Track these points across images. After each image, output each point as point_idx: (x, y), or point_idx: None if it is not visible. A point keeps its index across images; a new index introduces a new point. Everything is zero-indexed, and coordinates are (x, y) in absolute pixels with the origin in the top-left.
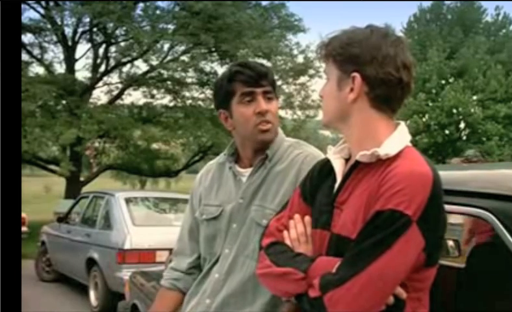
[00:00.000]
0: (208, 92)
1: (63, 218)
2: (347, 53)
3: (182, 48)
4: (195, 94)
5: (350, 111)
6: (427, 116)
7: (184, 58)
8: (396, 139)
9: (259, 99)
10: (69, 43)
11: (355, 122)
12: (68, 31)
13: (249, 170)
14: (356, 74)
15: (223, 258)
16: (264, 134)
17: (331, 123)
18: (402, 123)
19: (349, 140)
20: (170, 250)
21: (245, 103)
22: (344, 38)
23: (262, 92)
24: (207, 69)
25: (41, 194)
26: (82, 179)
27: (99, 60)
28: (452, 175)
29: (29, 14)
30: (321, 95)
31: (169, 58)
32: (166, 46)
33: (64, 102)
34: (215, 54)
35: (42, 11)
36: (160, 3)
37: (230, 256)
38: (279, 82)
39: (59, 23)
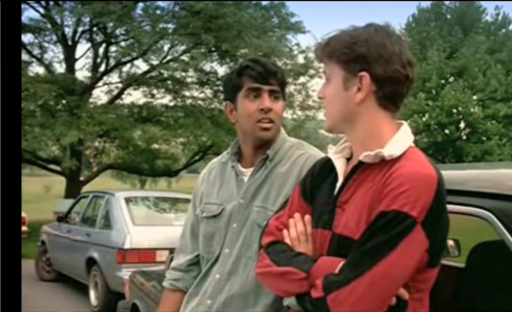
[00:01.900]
0: (208, 92)
1: (63, 218)
2: (354, 53)
3: (183, 48)
4: (195, 94)
5: (357, 112)
6: (427, 115)
7: (184, 57)
8: (400, 139)
9: (264, 96)
10: (69, 42)
11: (360, 123)
12: (68, 31)
13: (250, 170)
14: (364, 73)
15: (224, 258)
16: (264, 132)
17: (336, 125)
18: (405, 123)
19: (353, 141)
20: (170, 250)
21: (250, 98)
22: (347, 38)
23: (268, 90)
24: (207, 68)
25: (41, 193)
26: (82, 178)
27: (99, 60)
28: (452, 174)
29: (29, 14)
30: (320, 97)
31: (169, 57)
32: (166, 46)
33: (63, 101)
34: (215, 53)
35: (42, 10)
36: (160, 3)
37: (232, 256)
38: None
39: (59, 22)
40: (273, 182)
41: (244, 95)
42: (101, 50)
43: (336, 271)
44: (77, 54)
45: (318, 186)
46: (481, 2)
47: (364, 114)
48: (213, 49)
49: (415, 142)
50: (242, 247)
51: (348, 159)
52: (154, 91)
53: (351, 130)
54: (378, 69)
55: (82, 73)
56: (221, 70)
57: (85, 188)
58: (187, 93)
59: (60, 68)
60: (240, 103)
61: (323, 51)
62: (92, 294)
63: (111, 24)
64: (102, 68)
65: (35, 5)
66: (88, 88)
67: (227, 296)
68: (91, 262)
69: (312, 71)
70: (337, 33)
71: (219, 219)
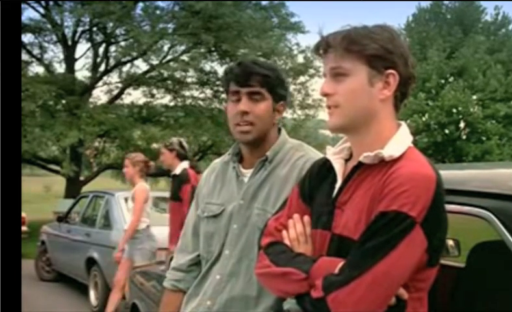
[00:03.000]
0: (208, 92)
1: (63, 218)
2: (383, 49)
3: (182, 48)
4: (195, 93)
5: (377, 109)
6: (426, 115)
7: (184, 57)
8: (399, 140)
9: (242, 99)
10: (69, 42)
11: (377, 121)
12: (68, 31)
13: (251, 171)
14: (393, 71)
15: (224, 259)
16: (242, 135)
17: (351, 122)
18: (404, 124)
19: (360, 140)
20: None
21: (233, 101)
22: (373, 34)
23: (246, 93)
24: (207, 68)
25: (41, 193)
26: (82, 178)
27: (98, 60)
28: (452, 174)
29: (29, 14)
30: (328, 93)
31: (169, 57)
32: (166, 46)
33: (63, 102)
34: (215, 53)
35: (42, 10)
36: (160, 3)
37: (233, 258)
38: None
39: (59, 22)
40: (273, 184)
41: (229, 99)
42: (101, 50)
43: (336, 271)
44: (77, 54)
45: (316, 187)
46: (481, 2)
47: (381, 113)
48: (213, 49)
49: (415, 141)
50: (244, 250)
51: (346, 160)
52: (154, 91)
53: (363, 129)
54: (401, 69)
55: (82, 73)
56: (221, 70)
57: (85, 188)
58: (187, 93)
59: (60, 68)
60: (228, 105)
61: (341, 42)
62: (92, 294)
63: (111, 24)
64: (102, 68)
65: (35, 5)
66: (88, 88)
67: (227, 298)
68: (91, 262)
69: (311, 71)
70: (352, 28)
71: (220, 219)
